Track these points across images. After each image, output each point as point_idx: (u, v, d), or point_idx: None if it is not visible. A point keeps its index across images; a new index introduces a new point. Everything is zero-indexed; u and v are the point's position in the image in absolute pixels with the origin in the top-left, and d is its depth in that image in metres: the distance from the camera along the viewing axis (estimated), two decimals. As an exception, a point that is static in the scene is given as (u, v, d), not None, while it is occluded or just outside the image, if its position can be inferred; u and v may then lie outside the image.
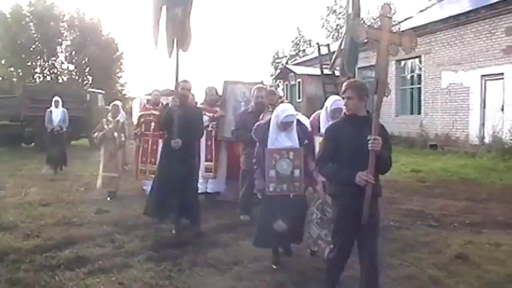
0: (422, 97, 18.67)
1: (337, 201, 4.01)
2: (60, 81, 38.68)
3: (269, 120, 5.03)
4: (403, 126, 18.96)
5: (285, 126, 4.86)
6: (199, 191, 7.84)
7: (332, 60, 8.10)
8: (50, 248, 5.53)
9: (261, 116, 6.54)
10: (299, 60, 31.67)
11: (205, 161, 8.54)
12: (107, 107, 10.30)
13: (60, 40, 38.41)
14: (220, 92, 8.75)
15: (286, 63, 37.86)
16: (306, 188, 5.09)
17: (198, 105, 8.49)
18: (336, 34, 41.95)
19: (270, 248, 5.15)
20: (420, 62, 18.63)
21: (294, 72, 23.11)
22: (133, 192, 9.30)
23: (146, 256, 5.25)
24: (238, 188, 7.51)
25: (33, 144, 19.07)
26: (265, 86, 8.04)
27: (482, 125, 15.36)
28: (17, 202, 8.31)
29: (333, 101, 5.01)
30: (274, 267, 5.01)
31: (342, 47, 6.99)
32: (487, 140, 15.10)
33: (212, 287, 4.55)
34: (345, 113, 4.01)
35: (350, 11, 7.09)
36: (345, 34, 7.05)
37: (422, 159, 14.31)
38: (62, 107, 12.95)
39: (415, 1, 28.05)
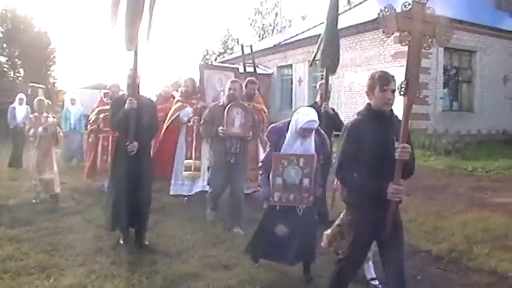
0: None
1: (358, 212, 3.62)
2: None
3: (287, 123, 4.56)
4: None
5: (304, 133, 4.41)
6: (177, 193, 7.99)
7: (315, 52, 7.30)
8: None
9: (226, 108, 6.35)
10: (226, 58, 33.44)
11: (185, 158, 8.00)
12: (48, 101, 9.44)
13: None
14: (198, 84, 8.25)
15: (215, 60, 39.86)
16: (315, 198, 4.61)
17: (177, 99, 8.27)
18: (262, 33, 44.71)
19: (264, 259, 4.84)
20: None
21: (211, 65, 24.95)
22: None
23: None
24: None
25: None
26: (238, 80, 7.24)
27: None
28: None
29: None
30: None
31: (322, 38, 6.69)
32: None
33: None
34: (368, 107, 3.62)
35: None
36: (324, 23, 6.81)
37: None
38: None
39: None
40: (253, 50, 22.34)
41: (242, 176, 6.74)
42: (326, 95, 6.96)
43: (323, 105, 6.81)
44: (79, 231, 6.37)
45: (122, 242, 5.73)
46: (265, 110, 8.09)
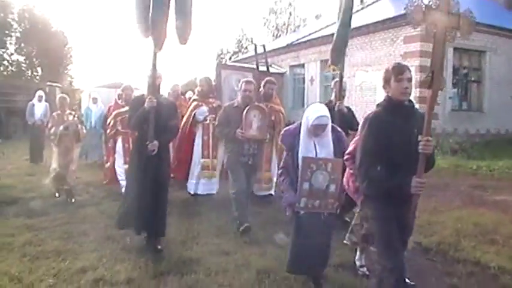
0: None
1: (378, 205, 3.57)
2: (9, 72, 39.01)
3: (299, 124, 4.37)
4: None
5: (316, 130, 4.19)
6: (191, 192, 8.11)
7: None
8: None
9: (244, 111, 6.32)
10: (241, 57, 33.71)
11: (202, 157, 8.08)
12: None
13: (9, 32, 38.66)
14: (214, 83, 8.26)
15: (230, 58, 40.28)
16: (338, 206, 4.42)
17: (193, 98, 8.28)
18: (276, 32, 45.04)
19: (305, 274, 4.60)
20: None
21: (228, 65, 25.42)
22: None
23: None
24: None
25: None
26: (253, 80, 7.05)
27: (385, 117, 18.47)
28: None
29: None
30: None
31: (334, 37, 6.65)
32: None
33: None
34: (388, 99, 3.60)
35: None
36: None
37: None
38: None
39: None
40: (266, 50, 22.64)
41: (255, 177, 6.86)
42: (340, 93, 6.81)
43: (337, 104, 6.64)
44: (92, 221, 6.86)
45: (128, 241, 5.67)
46: (283, 111, 8.06)
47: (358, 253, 5.02)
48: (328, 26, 24.49)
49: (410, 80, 3.53)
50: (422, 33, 17.42)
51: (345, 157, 4.52)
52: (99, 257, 5.20)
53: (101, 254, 5.28)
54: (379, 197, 3.52)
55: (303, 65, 24.55)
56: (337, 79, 7.00)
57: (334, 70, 7.10)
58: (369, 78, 19.40)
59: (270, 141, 7.52)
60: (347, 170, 4.76)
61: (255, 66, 19.49)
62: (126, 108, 7.59)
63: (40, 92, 13.34)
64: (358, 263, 5.01)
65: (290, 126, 4.56)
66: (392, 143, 3.38)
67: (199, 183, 8.13)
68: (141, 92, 6.47)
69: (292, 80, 25.74)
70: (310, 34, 24.67)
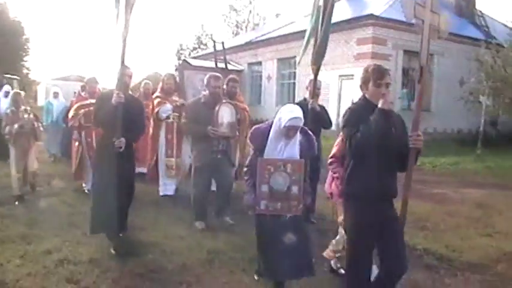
0: (296, 91, 22.34)
1: (356, 203, 3.58)
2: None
3: (271, 124, 4.16)
4: None
5: (288, 132, 4.00)
6: (161, 193, 8.04)
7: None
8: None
9: (216, 108, 6.24)
10: (200, 53, 34.20)
11: (166, 157, 7.97)
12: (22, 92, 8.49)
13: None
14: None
15: (189, 54, 40.51)
16: (304, 207, 4.28)
17: (156, 95, 8.08)
18: (236, 30, 45.48)
19: (280, 280, 4.24)
20: (295, 61, 22.30)
21: (191, 65, 25.86)
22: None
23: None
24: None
25: None
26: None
27: (338, 115, 19.10)
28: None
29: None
30: None
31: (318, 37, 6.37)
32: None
33: None
34: (364, 98, 3.64)
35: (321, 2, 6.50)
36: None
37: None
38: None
39: (301, 6, 31.33)
40: (225, 47, 23.13)
41: (230, 169, 6.72)
42: (315, 92, 6.62)
43: (310, 102, 6.49)
44: (55, 209, 7.22)
45: (113, 251, 5.29)
46: (248, 108, 7.98)
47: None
48: (286, 25, 25.22)
49: (389, 85, 3.55)
50: (373, 35, 18.37)
51: (329, 160, 4.63)
52: (63, 240, 5.58)
53: (64, 238, 5.66)
54: (361, 198, 3.55)
55: (260, 63, 25.14)
56: (312, 77, 6.81)
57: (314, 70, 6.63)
58: (324, 77, 20.01)
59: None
60: (329, 174, 4.84)
61: (214, 64, 19.97)
62: (90, 101, 7.56)
63: (7, 87, 12.94)
64: (335, 266, 5.04)
65: (260, 125, 4.33)
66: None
67: (167, 184, 8.05)
68: (101, 86, 6.57)
69: (250, 77, 26.31)
70: (268, 33, 25.31)
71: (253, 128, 4.33)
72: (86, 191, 7.99)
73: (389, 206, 3.70)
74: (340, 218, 4.58)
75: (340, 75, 19.39)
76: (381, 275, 3.67)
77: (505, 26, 21.67)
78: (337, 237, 4.91)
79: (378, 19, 18.51)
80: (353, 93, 18.81)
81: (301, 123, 4.02)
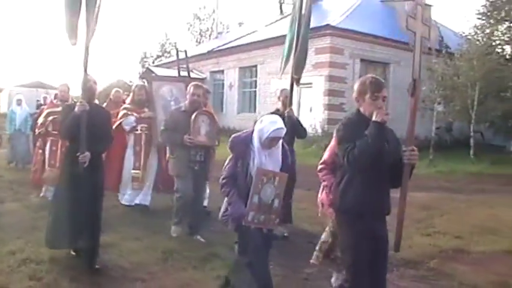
0: (257, 98, 22.90)
1: (351, 219, 3.49)
2: None
3: (250, 133, 4.10)
4: (243, 122, 22.10)
5: (271, 142, 3.97)
6: (127, 203, 7.80)
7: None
8: None
9: (193, 116, 6.13)
10: (164, 61, 34.42)
11: (133, 169, 7.70)
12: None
13: None
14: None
15: (153, 62, 40.64)
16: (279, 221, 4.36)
17: (124, 106, 7.87)
18: (200, 38, 45.86)
19: None
20: (256, 70, 22.85)
21: (155, 73, 26.01)
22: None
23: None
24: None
25: None
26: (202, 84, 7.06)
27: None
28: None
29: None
30: None
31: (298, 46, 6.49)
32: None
33: None
34: (358, 113, 3.57)
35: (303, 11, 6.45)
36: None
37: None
38: None
39: (264, 15, 31.99)
40: (189, 55, 23.31)
41: (205, 185, 6.78)
42: (290, 101, 6.67)
43: (286, 111, 6.47)
44: (17, 214, 7.47)
45: (73, 253, 5.48)
46: (217, 118, 7.31)
47: (334, 274, 4.92)
48: (248, 34, 25.74)
49: (385, 98, 3.53)
50: (331, 45, 19.02)
51: (319, 167, 4.57)
52: (25, 242, 5.86)
53: (26, 240, 5.94)
54: (353, 211, 3.48)
55: (222, 71, 25.59)
56: (283, 88, 7.03)
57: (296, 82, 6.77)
58: (283, 85, 20.45)
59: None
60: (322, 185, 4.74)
61: (177, 72, 20.19)
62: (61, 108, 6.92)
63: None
64: (334, 284, 4.93)
65: (239, 134, 4.25)
66: None
67: (131, 195, 7.79)
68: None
69: (212, 85, 26.64)
70: (230, 42, 25.79)
71: (233, 136, 4.23)
72: (49, 198, 7.51)
73: (382, 224, 3.64)
74: (328, 228, 4.68)
75: (299, 84, 19.87)
76: None
77: (456, 35, 22.55)
78: (322, 236, 4.89)
79: (335, 29, 19.20)
80: (311, 102, 19.49)
81: (283, 134, 4.00)
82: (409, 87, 3.53)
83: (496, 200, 10.58)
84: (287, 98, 6.72)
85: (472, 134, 18.93)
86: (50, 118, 7.97)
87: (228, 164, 4.16)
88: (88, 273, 5.04)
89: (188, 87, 6.46)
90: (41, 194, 8.41)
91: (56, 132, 7.64)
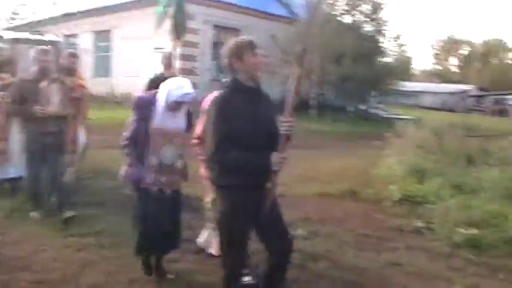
0: (112, 64, 22.90)
1: (232, 194, 3.25)
2: None
3: (154, 94, 3.95)
4: (98, 86, 22.52)
5: (177, 106, 3.88)
6: None
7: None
8: None
9: (43, 84, 5.62)
10: (15, 24, 32.14)
11: None
12: None
13: None
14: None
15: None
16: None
17: None
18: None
19: (155, 254, 4.21)
20: (110, 35, 22.77)
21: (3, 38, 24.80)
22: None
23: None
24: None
25: None
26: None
27: (153, 87, 20.10)
28: None
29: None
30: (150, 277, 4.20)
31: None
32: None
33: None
34: (235, 81, 3.29)
35: None
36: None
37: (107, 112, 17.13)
38: None
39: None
40: (44, 18, 22.60)
41: (62, 156, 6.02)
42: (174, 63, 6.58)
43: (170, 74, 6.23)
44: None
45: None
46: (86, 86, 7.21)
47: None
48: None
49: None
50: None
51: (194, 142, 4.45)
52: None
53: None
54: (235, 184, 3.24)
55: (77, 35, 25.03)
56: (167, 52, 6.98)
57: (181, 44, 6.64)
58: (138, 50, 20.92)
59: (72, 119, 6.36)
60: None
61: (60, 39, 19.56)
62: None
63: None
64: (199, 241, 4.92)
65: (143, 95, 4.21)
66: (244, 127, 3.15)
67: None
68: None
69: (66, 49, 26.00)
70: (85, 5, 25.17)
71: (137, 97, 4.13)
72: None
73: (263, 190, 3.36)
74: (207, 199, 4.48)
75: (154, 48, 20.14)
76: (269, 266, 3.47)
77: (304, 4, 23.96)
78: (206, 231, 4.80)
79: (187, -5, 19.53)
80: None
81: (189, 98, 3.83)
82: (297, 56, 3.42)
83: (326, 152, 11.91)
84: (169, 60, 6.78)
85: (313, 95, 20.61)
86: None
87: (130, 125, 3.98)
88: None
89: (34, 54, 5.76)
90: None
91: None
